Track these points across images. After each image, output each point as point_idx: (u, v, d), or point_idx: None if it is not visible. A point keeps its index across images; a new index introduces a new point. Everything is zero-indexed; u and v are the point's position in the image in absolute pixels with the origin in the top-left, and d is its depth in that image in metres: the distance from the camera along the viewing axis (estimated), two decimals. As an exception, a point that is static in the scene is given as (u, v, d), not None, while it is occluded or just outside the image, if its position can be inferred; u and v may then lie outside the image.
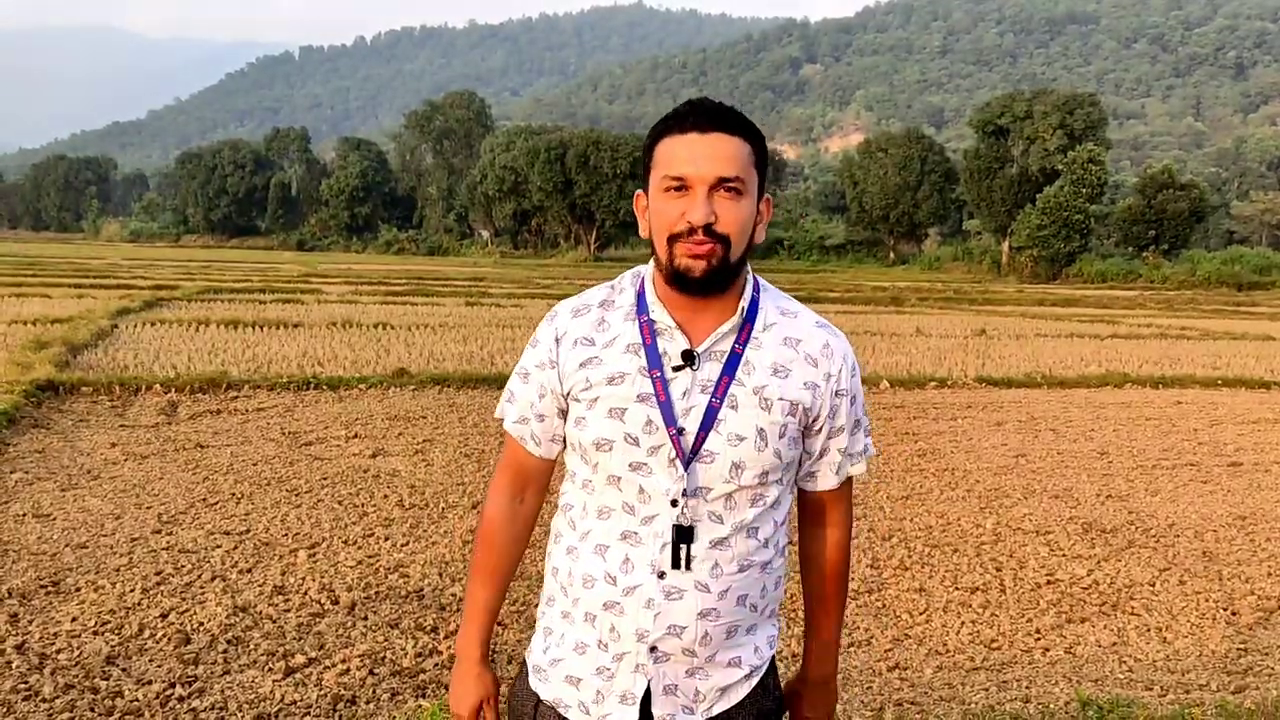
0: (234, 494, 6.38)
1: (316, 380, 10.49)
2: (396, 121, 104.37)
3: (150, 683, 3.73)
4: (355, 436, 8.22)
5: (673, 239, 1.58)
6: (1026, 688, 4.05)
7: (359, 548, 5.41)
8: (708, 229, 1.55)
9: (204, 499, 6.24)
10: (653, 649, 1.64)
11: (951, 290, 37.03)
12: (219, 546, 5.32)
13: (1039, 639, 4.58)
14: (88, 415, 8.73)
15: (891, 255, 66.87)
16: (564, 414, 1.72)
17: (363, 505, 6.24)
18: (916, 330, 18.66)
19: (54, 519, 5.72)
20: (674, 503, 1.62)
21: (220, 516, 5.89)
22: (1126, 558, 5.78)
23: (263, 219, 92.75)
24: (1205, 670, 4.32)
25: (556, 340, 1.70)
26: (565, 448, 1.77)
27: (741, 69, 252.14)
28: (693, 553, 1.62)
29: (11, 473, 6.70)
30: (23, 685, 3.66)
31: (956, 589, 5.16)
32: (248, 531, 5.62)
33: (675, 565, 1.62)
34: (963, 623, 4.72)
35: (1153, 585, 5.33)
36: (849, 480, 1.81)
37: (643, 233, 1.66)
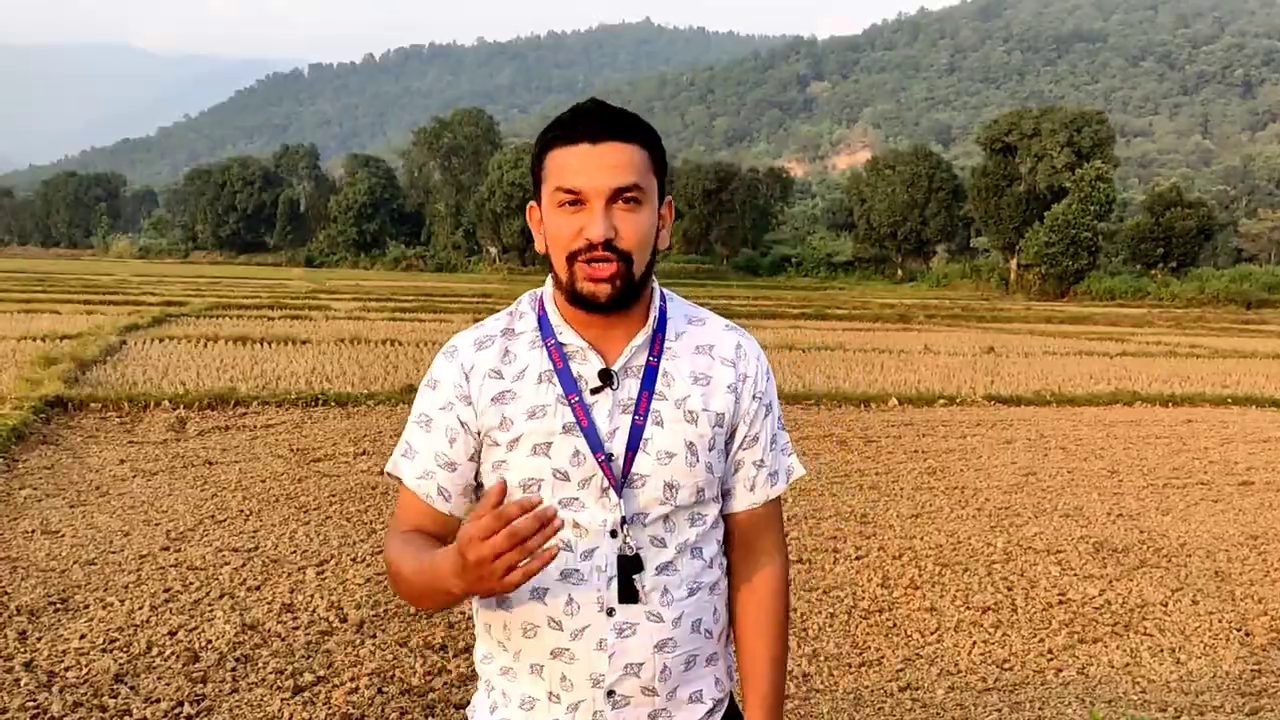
0: (242, 511, 6.37)
1: (325, 397, 10.50)
2: (405, 139, 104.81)
3: (158, 701, 3.71)
4: (364, 453, 8.21)
5: (571, 257, 1.48)
6: (1039, 709, 4.02)
7: (368, 565, 5.39)
8: (608, 245, 1.45)
9: (212, 516, 6.24)
10: (610, 693, 1.53)
11: (959, 308, 36.98)
12: (227, 564, 5.32)
13: (1051, 659, 4.55)
14: (96, 431, 8.75)
15: (899, 272, 66.92)
16: (476, 458, 1.58)
17: (371, 522, 6.23)
18: (925, 348, 18.63)
19: (63, 535, 5.72)
20: (613, 533, 1.52)
21: (228, 533, 5.89)
22: (1138, 577, 5.74)
23: (271, 235, 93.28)
24: (1219, 692, 4.28)
25: (465, 376, 1.57)
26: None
27: (749, 86, 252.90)
28: (641, 582, 1.53)
29: (20, 489, 6.71)
30: (31, 703, 3.65)
31: (968, 608, 5.13)
32: (256, 549, 5.61)
33: (626, 599, 1.51)
34: (974, 642, 4.69)
35: (1165, 605, 5.29)
36: (778, 505, 1.68)
37: (539, 248, 1.56)
